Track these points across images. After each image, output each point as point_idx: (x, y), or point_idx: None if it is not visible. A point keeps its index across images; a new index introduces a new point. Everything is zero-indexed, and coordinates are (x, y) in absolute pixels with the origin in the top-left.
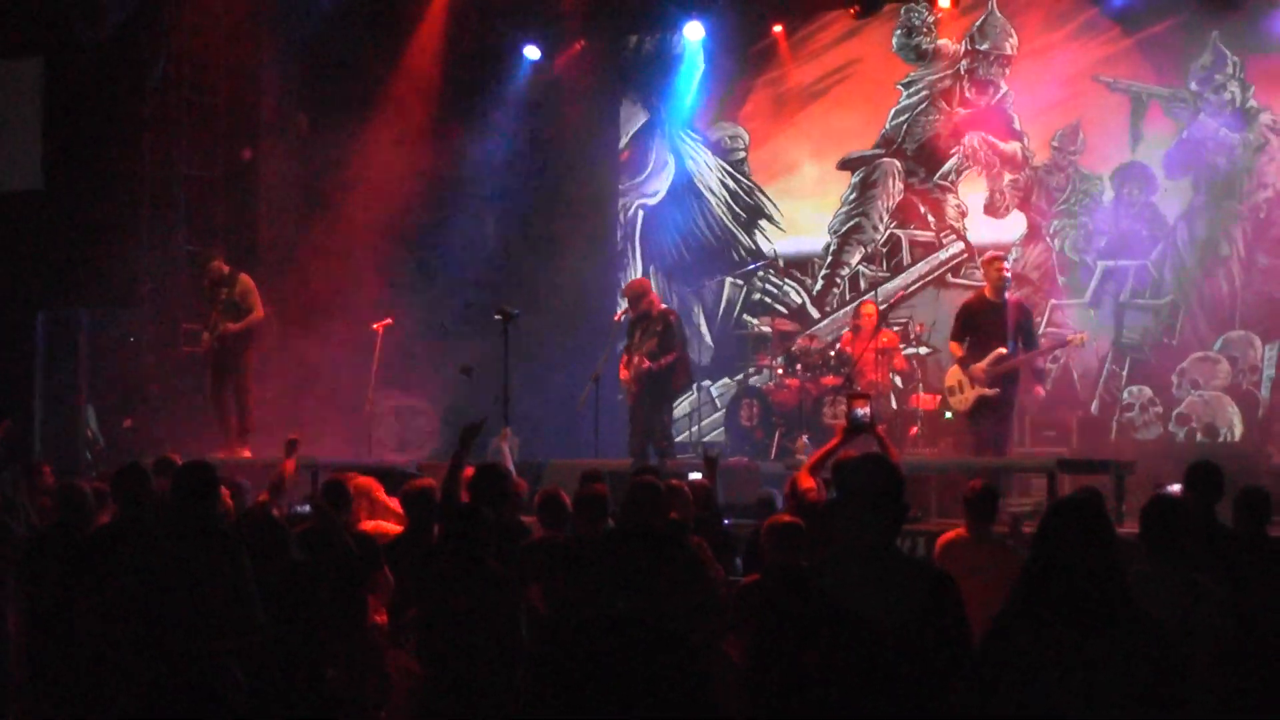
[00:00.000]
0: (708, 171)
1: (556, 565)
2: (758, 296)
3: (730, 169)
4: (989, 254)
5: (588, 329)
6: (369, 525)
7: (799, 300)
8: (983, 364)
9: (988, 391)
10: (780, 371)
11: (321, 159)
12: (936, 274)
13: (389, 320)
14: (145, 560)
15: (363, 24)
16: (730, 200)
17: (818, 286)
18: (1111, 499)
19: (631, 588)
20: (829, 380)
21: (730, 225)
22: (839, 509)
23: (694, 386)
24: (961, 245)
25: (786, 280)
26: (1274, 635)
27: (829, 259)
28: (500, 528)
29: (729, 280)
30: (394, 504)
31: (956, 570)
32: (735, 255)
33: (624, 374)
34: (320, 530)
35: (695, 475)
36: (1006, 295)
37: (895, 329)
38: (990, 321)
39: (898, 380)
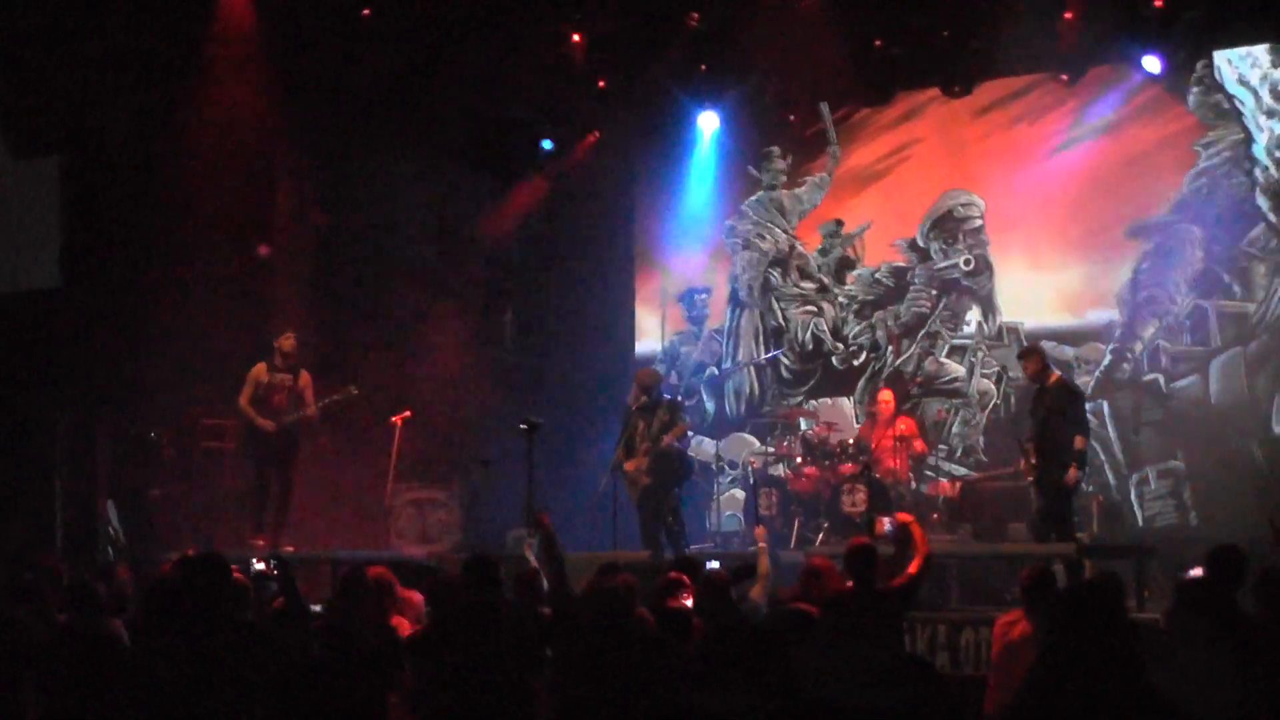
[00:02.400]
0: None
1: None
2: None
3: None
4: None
5: (601, 424)
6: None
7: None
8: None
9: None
10: (799, 460)
11: (337, 253)
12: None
13: (408, 413)
14: (153, 661)
15: (379, 113)
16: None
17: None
18: (1132, 583)
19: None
20: (846, 468)
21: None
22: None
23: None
24: None
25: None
26: None
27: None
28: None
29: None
30: (414, 598)
31: (1013, 651)
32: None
33: (630, 466)
34: (339, 626)
35: (713, 564)
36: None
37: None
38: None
39: (928, 464)
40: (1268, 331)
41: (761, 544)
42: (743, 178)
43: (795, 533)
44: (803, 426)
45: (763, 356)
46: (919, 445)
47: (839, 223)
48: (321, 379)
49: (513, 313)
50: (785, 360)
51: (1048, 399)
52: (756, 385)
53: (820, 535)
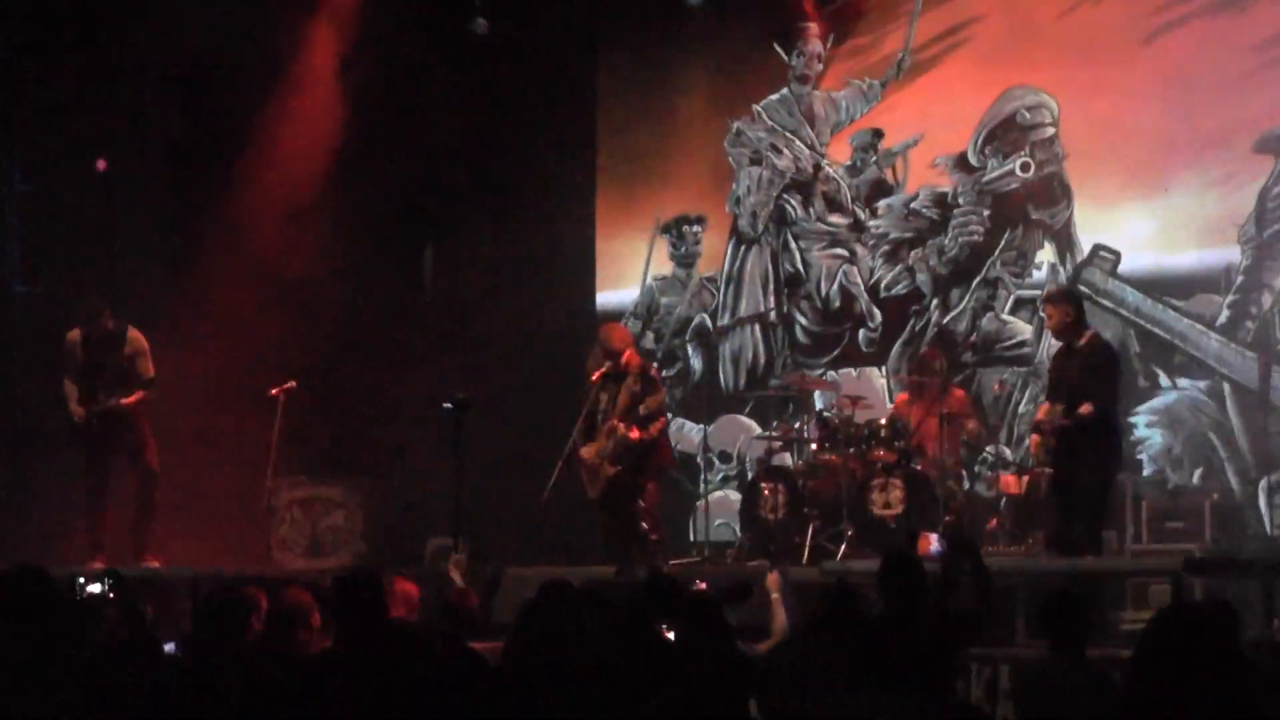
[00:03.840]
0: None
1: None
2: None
3: None
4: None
5: (552, 402)
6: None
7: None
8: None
9: None
10: (814, 446)
11: (196, 169)
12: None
13: (291, 384)
14: None
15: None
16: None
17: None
18: (1258, 609)
19: None
20: (877, 456)
21: None
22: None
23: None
24: None
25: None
26: None
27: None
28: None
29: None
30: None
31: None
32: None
33: (588, 454)
34: (195, 661)
35: (700, 585)
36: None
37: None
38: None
39: (984, 454)
40: None
41: (775, 594)
42: (759, 61)
43: (809, 542)
44: (817, 403)
45: (774, 310)
46: (973, 427)
47: (877, 133)
48: (175, 335)
49: (432, 248)
50: (802, 319)
51: (1077, 362)
52: (762, 350)
53: (842, 546)
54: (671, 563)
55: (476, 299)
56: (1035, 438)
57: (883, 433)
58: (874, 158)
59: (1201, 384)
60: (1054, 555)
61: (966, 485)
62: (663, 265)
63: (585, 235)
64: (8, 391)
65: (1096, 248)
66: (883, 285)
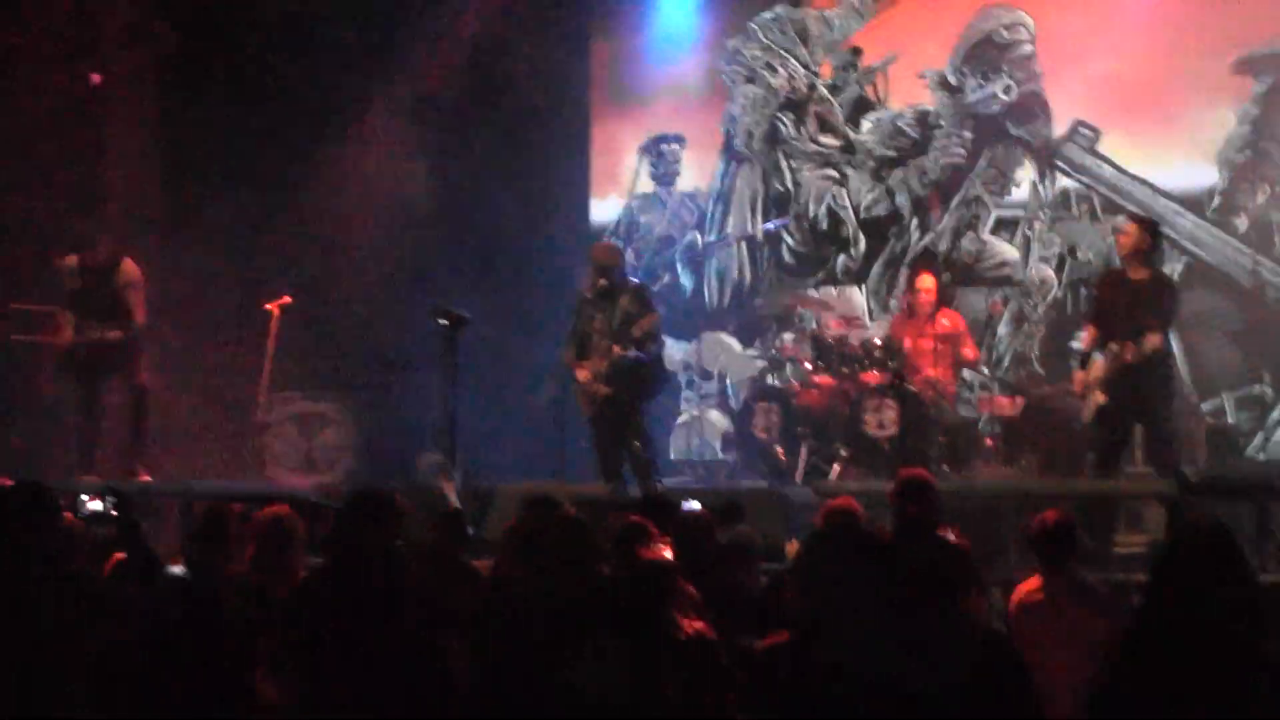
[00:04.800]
0: None
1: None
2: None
3: None
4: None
5: (547, 317)
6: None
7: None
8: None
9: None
10: (808, 366)
11: (190, 82)
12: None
13: (286, 299)
14: None
15: None
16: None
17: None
18: (1251, 534)
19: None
20: (871, 377)
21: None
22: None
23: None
24: None
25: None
26: None
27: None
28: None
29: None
30: None
31: (1031, 630)
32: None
33: (582, 373)
34: (198, 584)
35: (692, 505)
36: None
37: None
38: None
39: (966, 376)
40: None
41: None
42: None
43: (803, 462)
44: (804, 321)
45: (761, 227)
46: (968, 350)
47: (855, 52)
48: (171, 255)
49: (425, 162)
50: (789, 239)
51: (1138, 292)
52: (749, 269)
53: (836, 466)
54: (664, 482)
55: (468, 214)
56: (1086, 369)
57: (876, 353)
58: (854, 76)
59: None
60: (1096, 477)
61: (959, 409)
62: (638, 184)
63: (580, 149)
64: None
65: (1076, 123)
66: (863, 206)
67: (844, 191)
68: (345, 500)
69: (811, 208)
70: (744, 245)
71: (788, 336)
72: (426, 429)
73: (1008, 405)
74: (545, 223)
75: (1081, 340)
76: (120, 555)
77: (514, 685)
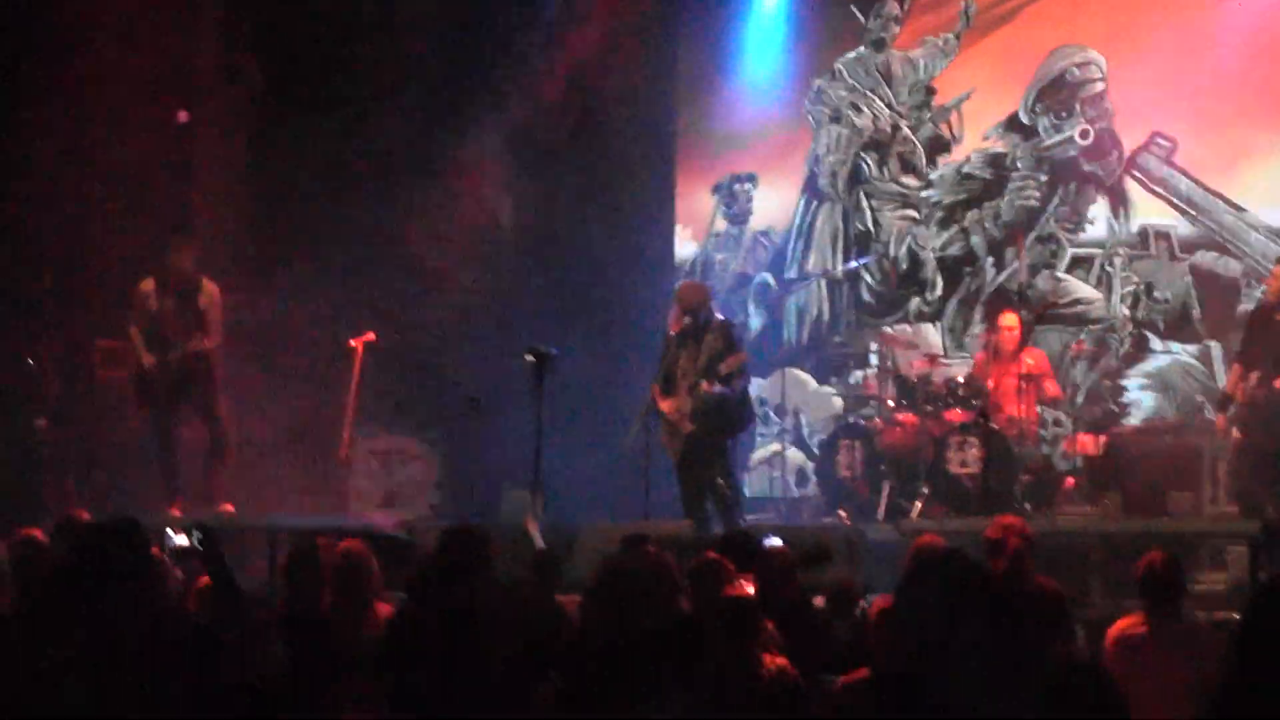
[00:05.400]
0: None
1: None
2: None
3: None
4: None
5: (633, 356)
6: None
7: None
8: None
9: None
10: (891, 404)
11: (278, 121)
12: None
13: (370, 335)
14: (52, 665)
15: None
16: None
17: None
18: None
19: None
20: (954, 415)
21: None
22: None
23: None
24: None
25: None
26: None
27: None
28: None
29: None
30: None
31: (1131, 671)
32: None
33: (666, 405)
34: (302, 617)
35: (774, 541)
36: None
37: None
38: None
39: (1048, 416)
40: None
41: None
42: (835, 24)
43: (885, 500)
44: (873, 360)
45: (844, 266)
46: (1051, 388)
47: (929, 90)
48: (257, 291)
49: (514, 201)
50: (868, 277)
51: None
52: (827, 307)
53: (918, 503)
54: (747, 519)
55: (559, 248)
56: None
57: (960, 391)
58: (929, 114)
59: (1191, 348)
60: (1245, 515)
61: (1044, 448)
62: (718, 224)
63: (667, 188)
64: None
65: (1154, 134)
66: (937, 247)
67: (924, 232)
68: (440, 538)
69: (892, 248)
70: (824, 283)
71: (869, 373)
72: (511, 466)
73: (1090, 443)
74: (632, 260)
75: (1226, 381)
76: (203, 583)
77: None
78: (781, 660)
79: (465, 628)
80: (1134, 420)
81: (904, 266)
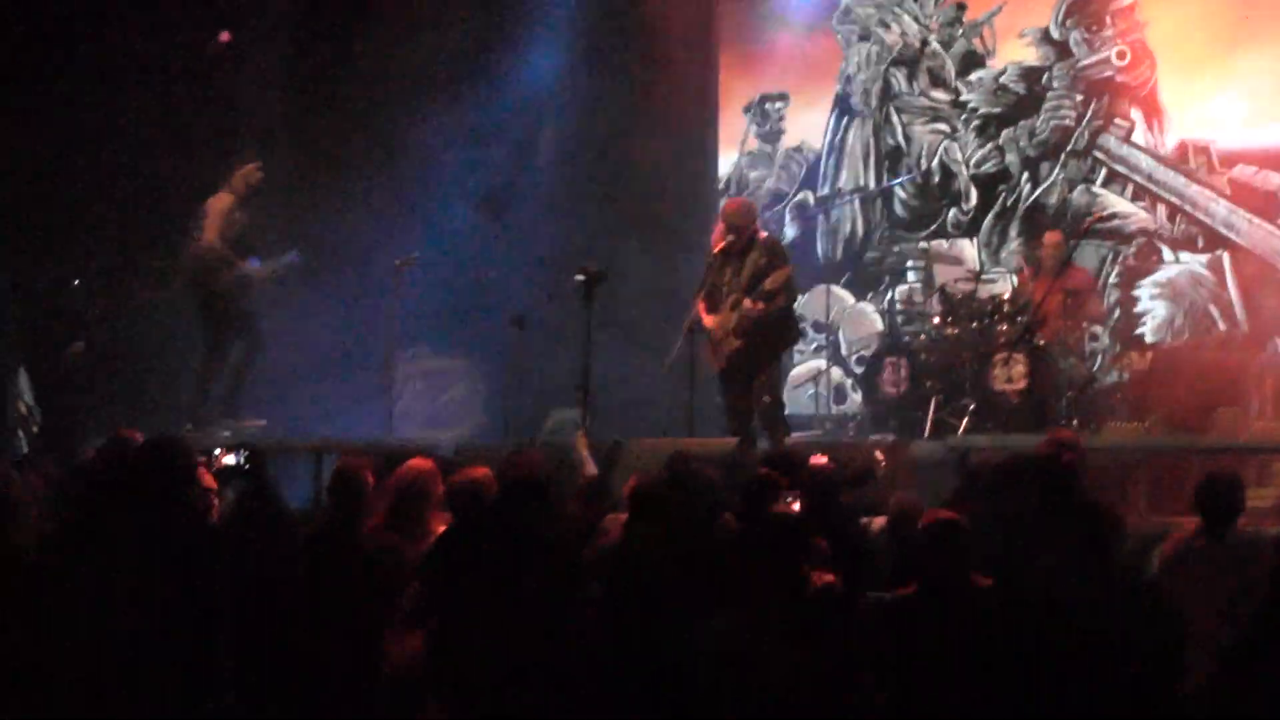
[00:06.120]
0: None
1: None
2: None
3: None
4: None
5: (680, 272)
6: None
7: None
8: None
9: None
10: (936, 321)
11: (322, 42)
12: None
13: (414, 256)
14: (86, 584)
15: None
16: None
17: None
18: None
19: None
20: (1002, 331)
21: None
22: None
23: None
24: None
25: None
26: None
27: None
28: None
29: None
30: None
31: (1184, 585)
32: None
33: (709, 320)
34: (332, 535)
35: (819, 459)
36: None
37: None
38: None
39: (1096, 331)
40: None
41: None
42: None
43: (930, 416)
44: (910, 277)
45: (884, 183)
46: (1094, 305)
47: (960, 7)
48: (301, 211)
49: (551, 125)
50: (902, 192)
51: None
52: (861, 222)
53: (965, 420)
54: (792, 436)
55: (596, 169)
56: None
57: (1005, 308)
58: (960, 30)
59: (1202, 257)
60: None
61: (1089, 362)
62: (747, 142)
63: (711, 104)
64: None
65: (1112, 117)
66: (972, 163)
67: (955, 146)
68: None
69: (924, 162)
70: (858, 199)
71: (913, 289)
72: (557, 386)
73: (1136, 359)
74: (675, 177)
75: None
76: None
77: (645, 639)
78: (829, 576)
79: (509, 544)
80: (1145, 330)
81: (936, 179)
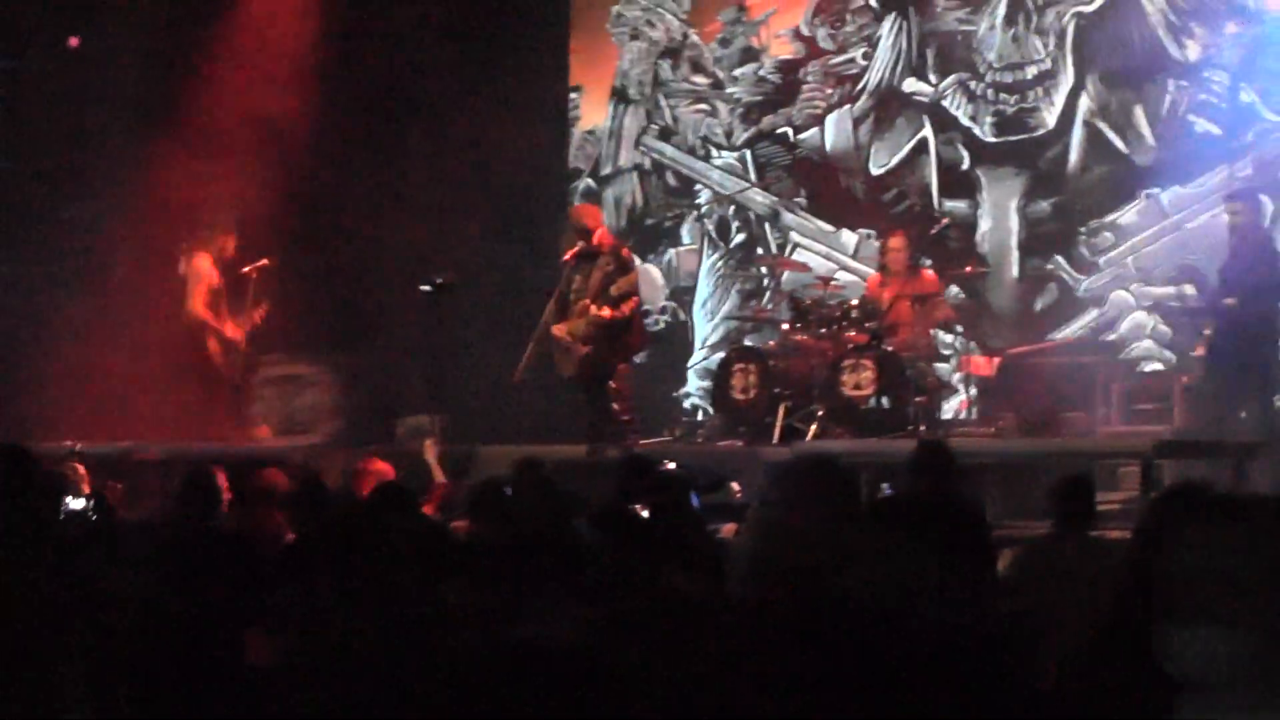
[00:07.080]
0: None
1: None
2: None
3: None
4: None
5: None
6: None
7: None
8: None
9: None
10: (786, 327)
11: (177, 51)
12: None
13: (264, 262)
14: None
15: None
16: None
17: None
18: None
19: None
20: (849, 337)
21: None
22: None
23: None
24: None
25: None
26: None
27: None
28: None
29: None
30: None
31: (1039, 576)
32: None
33: (559, 330)
34: (186, 535)
35: (669, 465)
36: None
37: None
38: None
39: (943, 337)
40: None
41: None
42: None
43: (779, 422)
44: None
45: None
46: (943, 310)
47: (741, 9)
48: (152, 209)
49: (420, 131)
50: (675, 166)
51: None
52: (640, 193)
53: (813, 426)
54: (642, 443)
55: (454, 176)
56: None
57: (854, 313)
58: (740, 29)
59: None
60: None
61: (936, 367)
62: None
63: (559, 113)
64: None
65: None
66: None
67: (715, 122)
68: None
69: (689, 137)
70: (635, 174)
71: (763, 299)
72: (409, 392)
73: (984, 365)
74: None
75: None
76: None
77: (482, 637)
78: (679, 579)
79: (361, 545)
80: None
81: (700, 151)
